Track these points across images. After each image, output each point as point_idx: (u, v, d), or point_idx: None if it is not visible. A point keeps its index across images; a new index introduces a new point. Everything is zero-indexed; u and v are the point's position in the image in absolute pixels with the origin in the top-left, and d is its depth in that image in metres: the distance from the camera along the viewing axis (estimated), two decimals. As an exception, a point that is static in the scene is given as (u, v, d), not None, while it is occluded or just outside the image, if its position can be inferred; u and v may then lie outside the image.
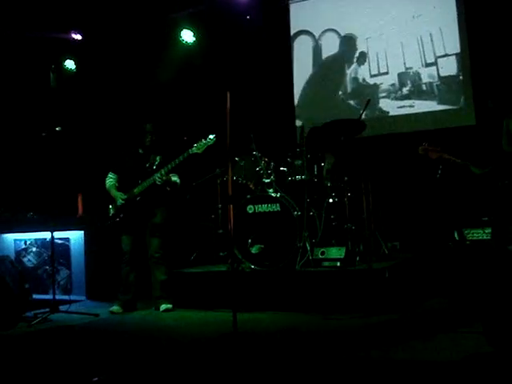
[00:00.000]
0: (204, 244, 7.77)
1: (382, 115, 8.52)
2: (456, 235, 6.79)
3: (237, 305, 4.94)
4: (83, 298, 7.80)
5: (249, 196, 6.70)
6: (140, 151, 6.80)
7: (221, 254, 7.27)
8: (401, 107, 8.41)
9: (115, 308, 6.66)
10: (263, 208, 6.55)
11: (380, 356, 4.21)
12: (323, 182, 6.86)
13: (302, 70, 9.14)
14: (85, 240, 7.91)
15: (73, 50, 9.14)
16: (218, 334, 5.10)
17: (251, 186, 6.92)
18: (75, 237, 7.98)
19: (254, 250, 6.51)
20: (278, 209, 6.47)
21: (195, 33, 8.86)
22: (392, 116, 8.47)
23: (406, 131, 8.27)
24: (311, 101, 9.05)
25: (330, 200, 6.75)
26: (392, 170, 7.89)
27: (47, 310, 6.55)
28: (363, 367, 4.01)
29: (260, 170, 6.78)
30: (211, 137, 6.28)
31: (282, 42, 9.12)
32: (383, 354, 4.26)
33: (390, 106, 8.48)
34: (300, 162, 6.77)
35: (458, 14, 8.10)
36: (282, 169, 6.95)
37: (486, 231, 6.38)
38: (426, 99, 8.27)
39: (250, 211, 6.61)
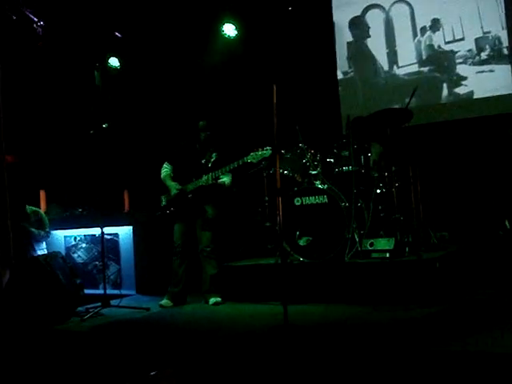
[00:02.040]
0: (252, 237, 7.79)
1: (432, 103, 8.42)
2: (507, 223, 6.69)
3: (286, 297, 4.97)
4: (133, 292, 7.90)
5: (296, 188, 6.71)
6: (197, 146, 6.86)
7: (269, 246, 7.28)
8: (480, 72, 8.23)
9: (165, 301, 6.72)
10: (310, 200, 6.54)
11: (445, 349, 4.14)
12: (370, 172, 6.82)
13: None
14: (133, 235, 8.00)
15: (117, 48, 9.21)
16: (269, 326, 5.12)
17: (298, 179, 6.92)
18: (124, 232, 8.07)
19: (302, 243, 6.52)
20: (326, 200, 6.45)
21: (237, 26, 8.85)
22: (442, 104, 8.38)
23: (456, 118, 8.15)
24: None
25: (378, 191, 6.70)
26: (440, 159, 7.78)
27: (99, 304, 6.65)
28: (417, 360, 3.97)
29: (306, 162, 6.78)
30: (267, 148, 6.30)
31: (324, 30, 9.05)
32: (437, 347, 4.21)
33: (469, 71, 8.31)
34: (347, 152, 6.74)
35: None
36: (328, 160, 6.93)
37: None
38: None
39: (298, 203, 6.61)
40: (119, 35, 9.02)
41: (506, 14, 8.02)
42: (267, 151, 6.28)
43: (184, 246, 6.78)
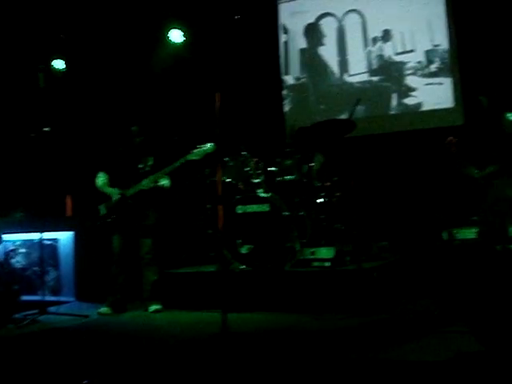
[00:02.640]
0: (195, 244, 7.74)
1: (375, 114, 8.56)
2: (444, 235, 6.81)
3: (226, 305, 4.96)
4: (72, 299, 7.75)
5: (238, 196, 6.70)
6: (130, 152, 6.77)
7: (211, 254, 7.25)
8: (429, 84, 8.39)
9: (104, 309, 6.62)
10: (253, 208, 6.54)
11: (372, 357, 4.20)
12: (312, 182, 6.85)
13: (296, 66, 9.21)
14: (74, 241, 7.86)
15: (61, 50, 9.07)
16: (208, 334, 5.11)
17: (241, 187, 6.90)
18: (64, 238, 7.92)
19: (243, 251, 6.52)
20: (268, 209, 6.47)
21: (184, 33, 8.80)
22: (387, 115, 8.54)
23: (399, 130, 8.34)
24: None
25: (320, 200, 6.74)
26: (381, 170, 7.90)
27: (36, 311, 6.51)
28: (355, 368, 4.00)
29: (249, 170, 6.78)
30: (209, 145, 6.28)
31: (270, 40, 9.10)
32: (374, 354, 4.26)
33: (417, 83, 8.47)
34: (289, 161, 6.77)
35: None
36: (271, 169, 6.94)
37: (475, 230, 6.39)
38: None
39: (240, 211, 6.60)
40: (64, 37, 8.89)
41: (450, 30, 8.19)
42: (210, 147, 6.26)
43: (124, 253, 6.68)
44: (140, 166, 6.67)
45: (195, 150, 6.34)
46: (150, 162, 6.67)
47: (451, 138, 5.55)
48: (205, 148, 6.31)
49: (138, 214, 6.61)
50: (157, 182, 6.54)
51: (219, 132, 5.22)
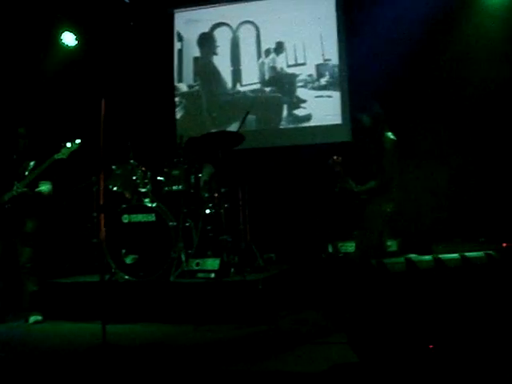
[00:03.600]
0: (79, 253, 7.55)
1: (267, 127, 8.68)
2: (330, 248, 6.98)
3: (108, 316, 4.95)
4: None
5: (124, 205, 6.61)
6: (14, 157, 6.52)
7: (96, 264, 7.10)
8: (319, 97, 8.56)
9: (-20, 320, 6.36)
10: (138, 218, 6.48)
11: (247, 368, 4.27)
12: (200, 192, 6.86)
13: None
14: None
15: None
16: (87, 346, 5.02)
17: (127, 195, 6.81)
18: None
19: (128, 261, 6.45)
20: (154, 219, 6.43)
21: (77, 36, 8.59)
22: (275, 129, 8.67)
23: (289, 144, 8.48)
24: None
25: (207, 211, 6.77)
26: (270, 183, 8.01)
27: None
28: (230, 380, 4.03)
29: (136, 179, 6.70)
30: (77, 141, 6.13)
31: (165, 49, 9.04)
32: (250, 366, 4.32)
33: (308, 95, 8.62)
34: (177, 172, 6.74)
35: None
36: (159, 178, 6.89)
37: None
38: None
39: (125, 221, 6.52)
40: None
41: (340, 45, 8.42)
42: (76, 145, 6.12)
43: (2, 261, 6.43)
44: (20, 170, 6.42)
45: (62, 149, 6.16)
46: (31, 166, 6.41)
47: (335, 157, 5.69)
48: (70, 146, 6.14)
49: (16, 221, 6.37)
50: (34, 187, 6.31)
51: (103, 139, 5.11)
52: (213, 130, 8.61)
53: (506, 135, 7.35)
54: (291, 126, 8.62)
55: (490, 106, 7.36)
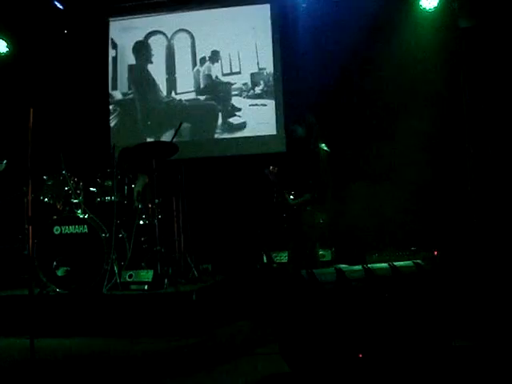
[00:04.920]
0: (9, 266, 7.35)
1: (202, 137, 8.69)
2: (264, 258, 7.00)
3: (38, 330, 4.86)
4: None
5: (55, 217, 6.49)
6: None
7: (25, 276, 6.93)
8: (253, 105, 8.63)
9: None
10: (70, 229, 6.37)
11: (182, 382, 4.29)
12: (134, 203, 6.80)
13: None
14: None
15: None
16: (17, 361, 4.92)
17: (59, 207, 6.68)
18: None
19: (59, 273, 6.32)
20: (86, 230, 6.34)
21: (9, 43, 8.40)
22: (210, 139, 8.68)
23: (225, 155, 8.53)
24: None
25: (141, 222, 6.72)
26: (205, 193, 8.01)
27: None
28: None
29: (69, 189, 6.58)
30: (3, 163, 5.99)
31: (99, 57, 8.93)
32: (185, 379, 4.34)
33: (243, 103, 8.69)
34: (110, 182, 6.67)
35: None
36: (91, 189, 6.79)
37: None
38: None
39: (57, 232, 6.40)
40: None
41: (275, 55, 8.50)
42: (2, 165, 5.99)
43: None
44: None
45: None
46: None
47: (271, 167, 5.72)
48: None
49: None
50: None
51: (33, 149, 4.99)
52: (147, 138, 8.64)
53: (440, 144, 7.54)
54: (226, 135, 8.66)
55: (426, 115, 7.54)
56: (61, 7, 8.58)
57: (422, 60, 7.65)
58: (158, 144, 6.82)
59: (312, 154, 5.60)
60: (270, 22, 8.64)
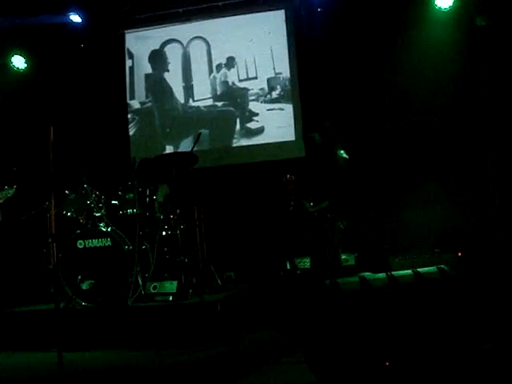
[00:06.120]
0: (35, 280, 7.42)
1: (220, 145, 8.71)
2: (288, 264, 6.99)
3: (65, 344, 4.82)
4: None
5: (79, 231, 6.52)
6: None
7: (51, 290, 6.99)
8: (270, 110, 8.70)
9: None
10: (94, 243, 6.41)
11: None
12: (155, 214, 6.82)
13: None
14: None
15: None
16: (45, 375, 4.96)
17: (82, 220, 6.72)
18: None
19: (84, 286, 6.35)
20: (109, 243, 6.37)
21: (27, 59, 8.50)
22: (232, 147, 8.75)
23: (245, 162, 8.57)
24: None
25: (163, 233, 6.73)
26: (226, 201, 8.05)
27: None
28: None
29: (91, 203, 6.62)
30: (11, 190, 6.02)
31: (116, 68, 9.01)
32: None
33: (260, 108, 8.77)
34: (131, 195, 6.70)
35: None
36: (113, 202, 6.82)
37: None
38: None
39: (81, 246, 6.44)
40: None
41: (291, 59, 8.50)
42: (11, 193, 6.01)
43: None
44: None
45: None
46: None
47: (288, 176, 5.73)
48: (5, 192, 6.04)
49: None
50: None
51: (55, 165, 5.03)
52: (167, 146, 8.70)
53: (460, 144, 7.50)
54: (245, 141, 8.70)
55: (445, 116, 7.51)
56: (77, 22, 8.64)
57: (440, 60, 7.61)
58: (178, 155, 6.84)
59: (330, 160, 5.59)
60: (285, 26, 8.69)
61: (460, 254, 6.66)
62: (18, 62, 8.53)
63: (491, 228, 7.24)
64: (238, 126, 8.77)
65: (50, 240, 7.13)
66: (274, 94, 8.69)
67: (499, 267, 6.48)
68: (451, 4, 7.58)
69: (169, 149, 8.90)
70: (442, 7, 7.62)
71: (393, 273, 4.27)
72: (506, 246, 6.93)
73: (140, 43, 9.20)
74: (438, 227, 7.32)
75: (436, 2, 7.63)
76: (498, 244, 7.03)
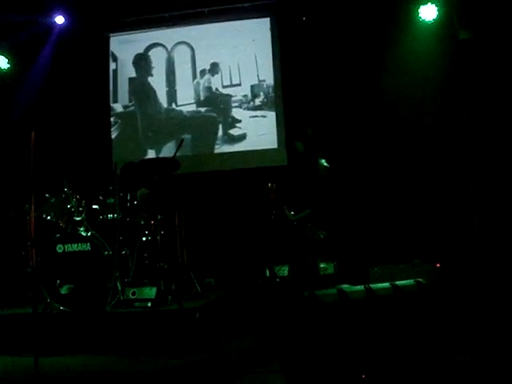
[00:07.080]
0: (13, 283, 7.36)
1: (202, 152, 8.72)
2: (267, 272, 7.01)
3: (42, 348, 4.84)
4: None
5: (58, 235, 6.49)
6: None
7: (29, 294, 6.94)
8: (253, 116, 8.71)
9: None
10: (73, 247, 6.38)
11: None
12: (136, 220, 6.80)
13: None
14: None
15: None
16: (21, 380, 4.95)
17: (62, 224, 6.68)
18: None
19: (63, 291, 6.33)
20: (89, 248, 6.35)
21: (10, 60, 8.44)
22: (214, 154, 8.75)
23: (227, 169, 8.56)
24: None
25: (144, 238, 6.71)
26: (206, 208, 8.03)
27: None
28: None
29: (71, 207, 6.59)
30: None
31: (99, 71, 9.00)
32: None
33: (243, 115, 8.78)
34: (112, 199, 6.67)
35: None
36: (94, 207, 6.78)
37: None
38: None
39: (60, 250, 6.41)
40: None
41: (275, 66, 8.53)
42: None
43: None
44: None
45: None
46: None
47: (270, 184, 5.75)
48: None
49: None
50: None
51: (35, 167, 5.01)
52: (148, 150, 8.68)
53: (440, 155, 7.56)
54: (227, 147, 8.72)
55: (426, 127, 7.58)
56: (61, 24, 8.60)
57: (422, 71, 7.68)
58: (161, 160, 6.83)
59: (312, 169, 5.62)
60: (269, 34, 8.72)
61: (439, 265, 6.71)
62: (1, 61, 8.44)
63: (470, 239, 7.30)
64: (220, 132, 8.78)
65: (29, 243, 7.10)
66: (257, 101, 8.72)
67: (477, 278, 6.54)
68: (435, 17, 7.65)
69: (150, 153, 8.87)
70: (426, 19, 7.69)
71: (371, 285, 4.30)
72: (485, 256, 6.99)
73: (124, 47, 9.17)
74: (416, 237, 7.36)
75: (420, 15, 7.70)
76: (477, 255, 7.09)
